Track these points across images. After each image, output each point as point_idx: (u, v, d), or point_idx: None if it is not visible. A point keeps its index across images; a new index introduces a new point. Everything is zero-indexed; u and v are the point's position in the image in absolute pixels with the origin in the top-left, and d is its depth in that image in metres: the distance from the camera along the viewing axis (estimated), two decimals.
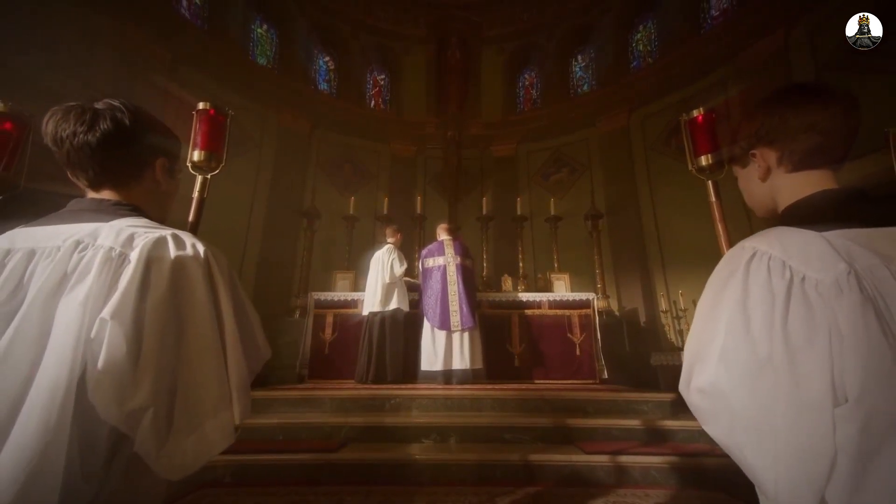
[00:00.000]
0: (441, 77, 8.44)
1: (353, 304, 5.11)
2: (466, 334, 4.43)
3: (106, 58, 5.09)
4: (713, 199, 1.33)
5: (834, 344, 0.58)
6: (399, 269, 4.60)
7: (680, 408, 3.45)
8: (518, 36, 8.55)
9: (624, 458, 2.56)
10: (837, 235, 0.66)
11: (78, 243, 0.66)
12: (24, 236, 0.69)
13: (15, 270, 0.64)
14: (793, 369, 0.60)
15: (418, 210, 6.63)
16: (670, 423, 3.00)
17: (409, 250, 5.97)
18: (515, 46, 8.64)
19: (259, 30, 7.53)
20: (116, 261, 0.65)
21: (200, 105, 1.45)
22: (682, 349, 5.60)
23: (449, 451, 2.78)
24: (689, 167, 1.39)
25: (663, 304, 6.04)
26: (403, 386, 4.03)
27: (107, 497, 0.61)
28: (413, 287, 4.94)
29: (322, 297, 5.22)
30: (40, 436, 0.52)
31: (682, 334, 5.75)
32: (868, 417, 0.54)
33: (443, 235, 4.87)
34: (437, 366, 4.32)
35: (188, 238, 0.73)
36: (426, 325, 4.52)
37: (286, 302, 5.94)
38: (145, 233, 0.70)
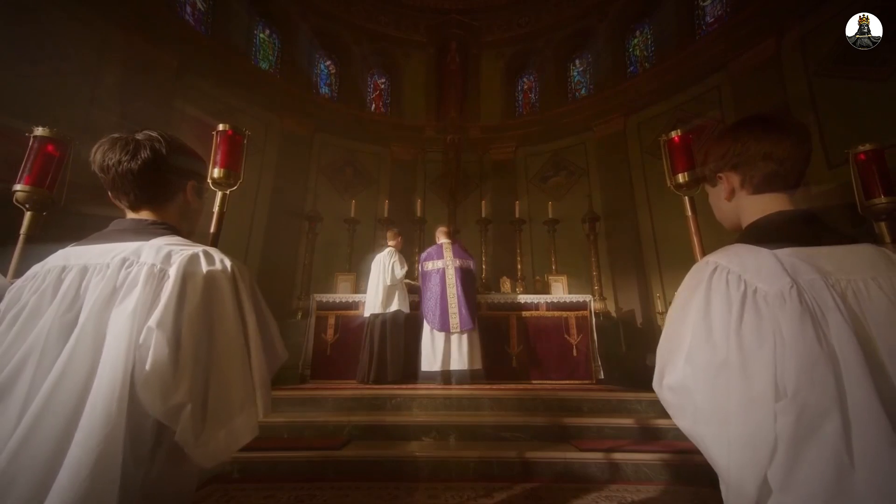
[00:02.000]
0: (441, 81, 8.55)
1: (355, 305, 5.19)
2: (465, 336, 4.51)
3: (113, 65, 5.19)
4: (689, 213, 1.43)
5: (778, 347, 0.68)
6: (400, 272, 4.69)
7: None
8: (517, 41, 8.67)
9: (616, 455, 2.65)
10: (786, 253, 0.76)
11: (124, 261, 0.76)
12: (76, 254, 0.79)
13: (72, 285, 0.74)
14: (744, 370, 0.70)
15: (418, 213, 6.71)
16: (662, 422, 3.10)
17: (410, 252, 6.06)
18: (514, 51, 8.75)
19: (262, 35, 7.63)
20: (158, 276, 0.75)
21: (220, 126, 1.55)
22: None
23: (448, 449, 2.87)
24: (668, 184, 1.49)
25: (659, 306, 6.14)
26: (404, 386, 4.12)
27: (153, 480, 0.71)
28: (413, 289, 5.03)
29: (324, 299, 5.30)
30: (104, 424, 0.62)
31: None
32: (801, 411, 0.63)
33: (442, 239, 4.95)
34: (437, 366, 4.39)
35: (217, 254, 0.83)
36: (426, 327, 4.61)
37: (288, 304, 6.03)
38: (181, 250, 0.79)
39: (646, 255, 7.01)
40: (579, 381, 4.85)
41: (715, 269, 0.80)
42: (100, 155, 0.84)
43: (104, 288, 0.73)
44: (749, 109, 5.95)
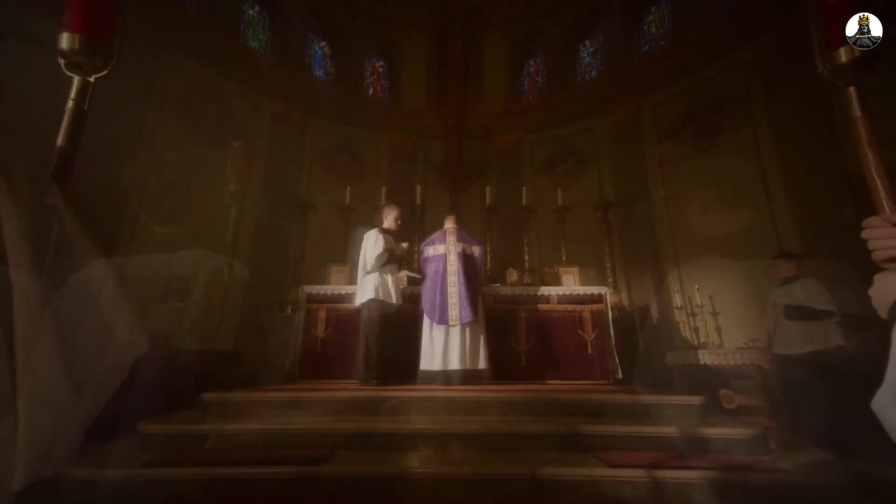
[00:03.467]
0: (442, 64, 8.04)
1: (348, 298, 4.73)
2: (467, 331, 4.09)
3: None
4: (857, 113, 0.91)
5: None
6: (372, 252, 4.02)
7: (711, 412, 3.09)
8: (523, 21, 8.16)
9: (657, 473, 2.19)
10: None
11: None
12: None
13: None
14: None
15: (418, 202, 6.25)
16: (704, 431, 2.65)
17: (410, 247, 5.59)
18: (520, 32, 8.25)
19: (251, 11, 7.16)
20: None
21: None
22: (698, 347, 5.22)
23: (450, 462, 2.43)
24: (819, 69, 1.01)
25: (678, 300, 5.68)
26: (400, 387, 3.65)
27: None
28: (414, 282, 4.60)
29: (314, 291, 4.89)
30: None
31: (697, 332, 5.40)
32: None
33: (448, 224, 4.52)
34: (436, 365, 3.99)
35: None
36: (425, 321, 4.19)
37: (278, 297, 5.59)
38: None
39: (661, 247, 6.54)
40: (596, 382, 4.44)
41: None
42: None
43: None
44: (777, 89, 5.47)
